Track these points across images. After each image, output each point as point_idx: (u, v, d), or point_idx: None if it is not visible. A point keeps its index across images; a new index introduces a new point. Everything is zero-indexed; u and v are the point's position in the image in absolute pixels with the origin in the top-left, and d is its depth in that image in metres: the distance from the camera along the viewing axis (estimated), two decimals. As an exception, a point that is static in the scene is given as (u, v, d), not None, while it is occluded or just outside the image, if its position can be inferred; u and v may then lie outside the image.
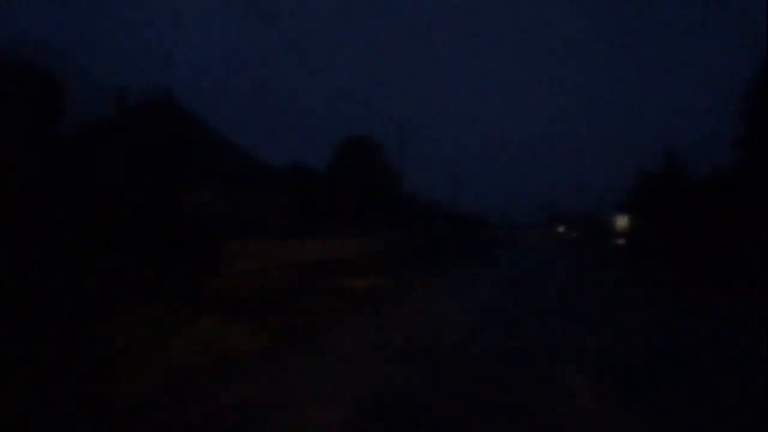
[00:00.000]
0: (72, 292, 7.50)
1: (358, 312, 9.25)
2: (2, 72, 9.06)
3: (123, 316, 7.28)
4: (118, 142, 14.22)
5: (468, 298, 11.55)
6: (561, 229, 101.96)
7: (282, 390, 4.78)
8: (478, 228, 62.38)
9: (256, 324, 7.56)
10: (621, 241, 39.50)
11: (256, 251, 15.13)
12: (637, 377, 5.41)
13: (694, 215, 22.81)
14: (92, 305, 7.39)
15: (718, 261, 20.13)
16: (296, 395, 4.62)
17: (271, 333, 7.12)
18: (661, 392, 4.92)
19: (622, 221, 40.85)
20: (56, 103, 9.70)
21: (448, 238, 37.14)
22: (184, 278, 9.81)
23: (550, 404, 4.48)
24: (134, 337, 6.34)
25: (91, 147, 12.97)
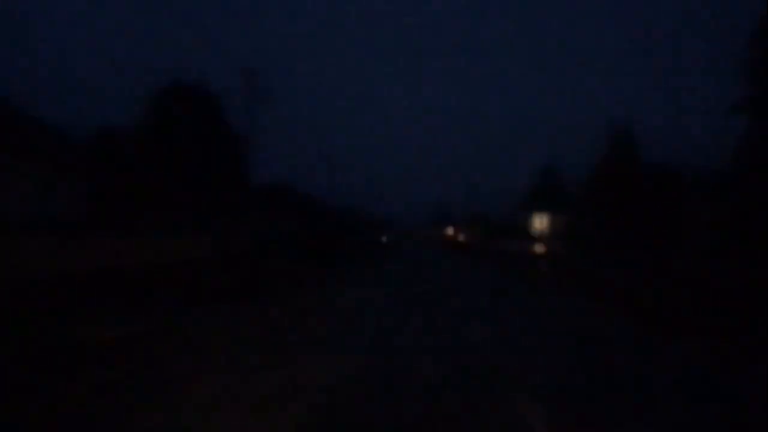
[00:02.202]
0: None
1: None
2: None
3: None
4: None
5: None
6: (450, 231, 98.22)
7: None
8: (355, 227, 53.87)
9: None
10: (539, 248, 32.49)
11: None
12: None
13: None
14: None
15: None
16: None
17: None
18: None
19: (540, 221, 34.52)
20: None
21: (308, 238, 28.30)
22: None
23: None
24: None
25: None
